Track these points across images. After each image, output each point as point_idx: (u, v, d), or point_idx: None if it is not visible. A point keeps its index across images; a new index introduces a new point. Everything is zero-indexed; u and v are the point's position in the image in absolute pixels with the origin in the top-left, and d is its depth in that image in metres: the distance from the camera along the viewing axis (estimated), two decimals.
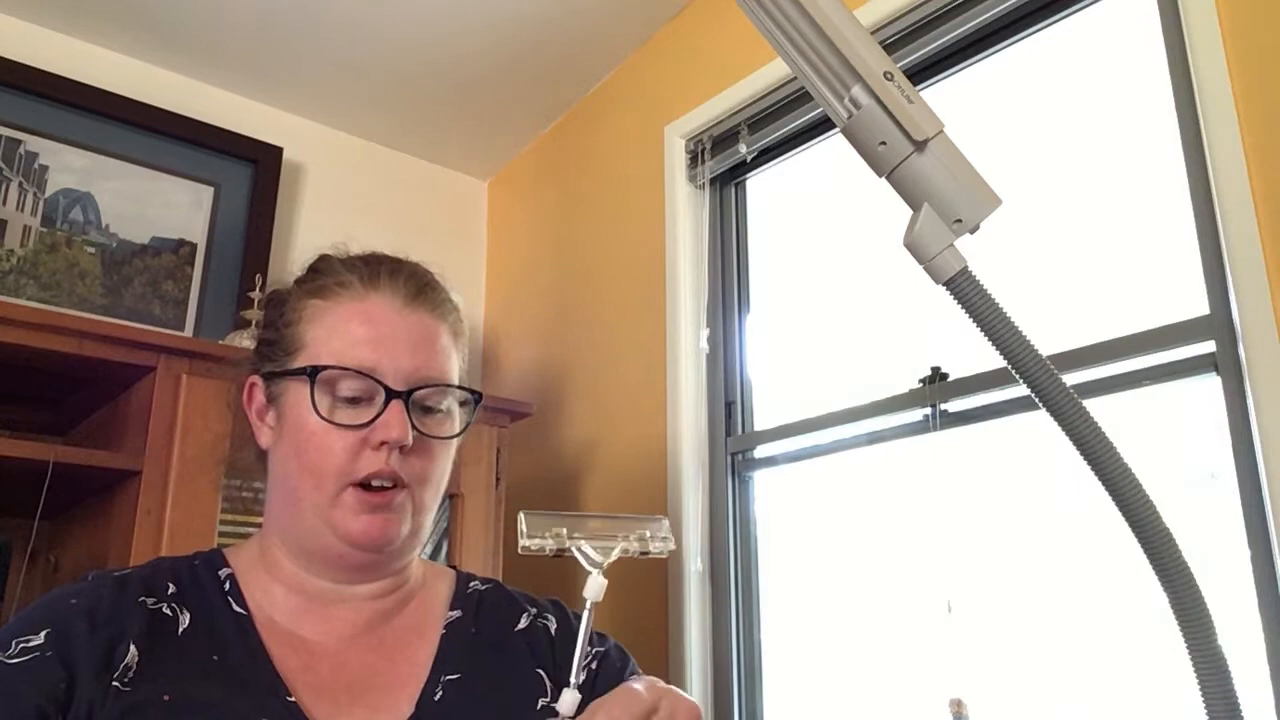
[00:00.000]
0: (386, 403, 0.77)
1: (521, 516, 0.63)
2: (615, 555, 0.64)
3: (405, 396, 0.78)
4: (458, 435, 0.83)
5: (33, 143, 2.06)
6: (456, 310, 0.88)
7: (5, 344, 1.49)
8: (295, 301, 0.84)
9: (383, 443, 0.76)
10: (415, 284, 0.84)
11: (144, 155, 2.19)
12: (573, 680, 0.61)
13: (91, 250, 2.09)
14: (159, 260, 2.17)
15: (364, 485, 0.77)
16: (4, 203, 2.00)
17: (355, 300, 0.81)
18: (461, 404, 0.85)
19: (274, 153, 2.37)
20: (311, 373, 0.78)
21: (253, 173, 2.32)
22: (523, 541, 0.63)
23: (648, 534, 0.66)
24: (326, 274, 0.84)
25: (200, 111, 2.28)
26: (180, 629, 0.75)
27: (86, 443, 1.72)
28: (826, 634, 1.73)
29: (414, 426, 0.78)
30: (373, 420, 0.77)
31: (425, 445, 0.79)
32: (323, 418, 0.77)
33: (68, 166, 2.09)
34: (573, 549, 0.63)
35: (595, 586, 0.62)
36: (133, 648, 0.71)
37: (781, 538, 1.85)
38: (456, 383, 0.84)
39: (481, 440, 1.91)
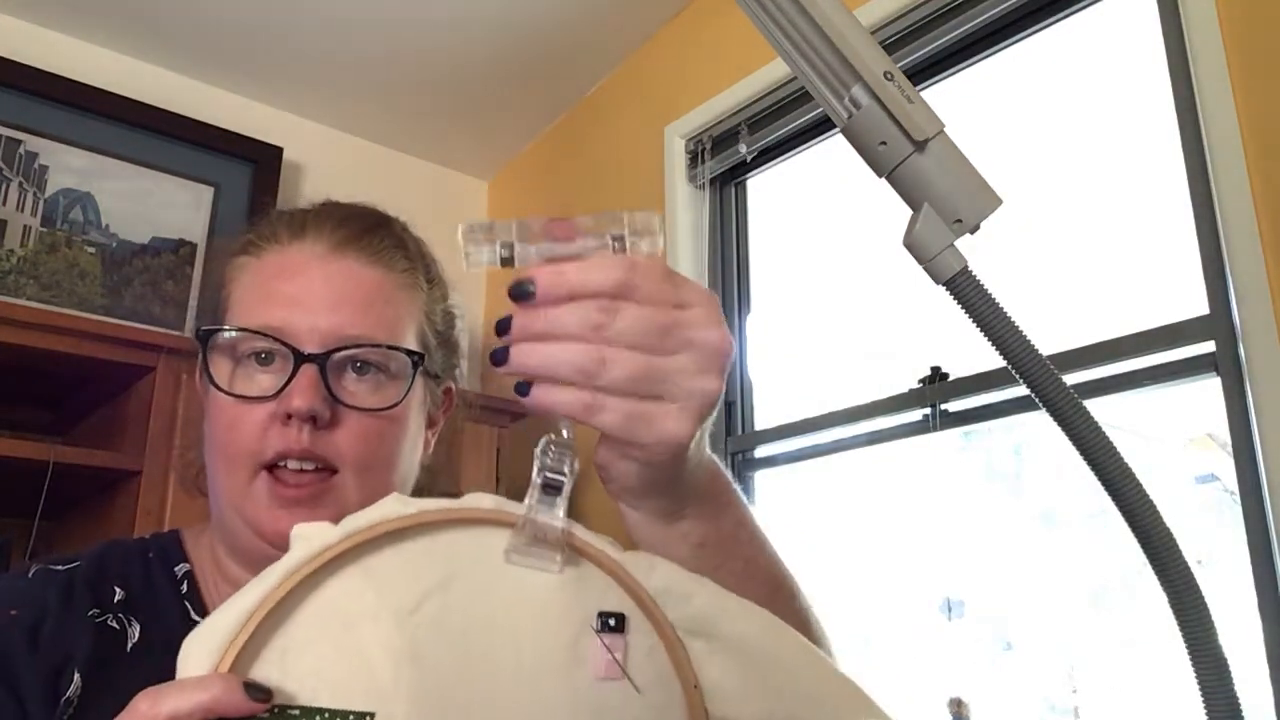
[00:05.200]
0: (296, 368, 0.64)
1: (460, 227, 0.46)
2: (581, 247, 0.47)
3: (321, 360, 0.64)
4: (390, 407, 0.67)
5: (33, 143, 2.05)
6: (412, 258, 0.75)
7: (5, 344, 1.49)
8: (225, 260, 0.73)
9: (289, 415, 0.63)
10: (349, 228, 0.71)
11: (144, 155, 2.19)
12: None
13: (91, 250, 2.09)
14: (159, 260, 2.17)
15: (276, 469, 0.65)
16: (4, 203, 2.00)
17: (278, 253, 0.69)
18: (424, 373, 0.71)
19: (274, 153, 2.36)
20: (203, 336, 0.67)
21: (253, 173, 2.32)
22: (464, 250, 0.46)
23: (625, 229, 0.46)
24: (259, 227, 0.73)
25: (200, 111, 2.28)
26: (129, 645, 0.65)
27: (86, 443, 1.72)
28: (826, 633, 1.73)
29: (332, 395, 0.65)
30: (281, 390, 0.64)
31: (356, 420, 0.66)
32: (218, 387, 0.66)
33: (68, 166, 2.09)
34: (518, 248, 0.46)
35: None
36: (76, 676, 0.61)
37: (782, 538, 1.85)
38: (406, 345, 0.69)
39: (481, 440, 1.91)
